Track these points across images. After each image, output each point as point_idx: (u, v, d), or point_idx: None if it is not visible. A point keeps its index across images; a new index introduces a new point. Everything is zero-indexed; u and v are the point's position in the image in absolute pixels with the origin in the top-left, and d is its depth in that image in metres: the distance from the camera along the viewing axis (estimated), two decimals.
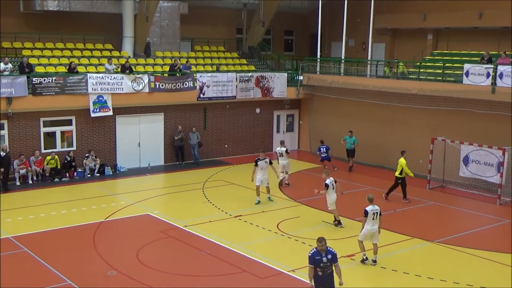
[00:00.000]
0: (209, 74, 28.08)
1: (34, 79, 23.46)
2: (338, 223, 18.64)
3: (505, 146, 21.66)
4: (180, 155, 27.26)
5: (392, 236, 17.61)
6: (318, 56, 31.47)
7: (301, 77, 30.80)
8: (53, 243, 16.59)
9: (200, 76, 27.63)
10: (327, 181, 18.37)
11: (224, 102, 28.79)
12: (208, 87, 27.74)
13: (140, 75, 26.07)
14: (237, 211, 19.75)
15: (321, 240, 11.74)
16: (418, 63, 27.88)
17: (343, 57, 30.45)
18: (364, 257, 15.37)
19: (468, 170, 23.08)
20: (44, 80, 23.66)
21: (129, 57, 28.67)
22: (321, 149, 25.56)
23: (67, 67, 25.38)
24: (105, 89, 24.99)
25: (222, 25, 33.82)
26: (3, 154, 22.19)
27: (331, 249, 11.76)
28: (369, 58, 29.84)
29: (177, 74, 27.20)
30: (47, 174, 23.67)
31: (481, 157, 22.57)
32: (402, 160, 21.29)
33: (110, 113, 25.31)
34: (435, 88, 24.57)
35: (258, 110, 30.23)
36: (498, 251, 16.56)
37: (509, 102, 22.19)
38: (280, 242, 17.01)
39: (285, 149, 23.94)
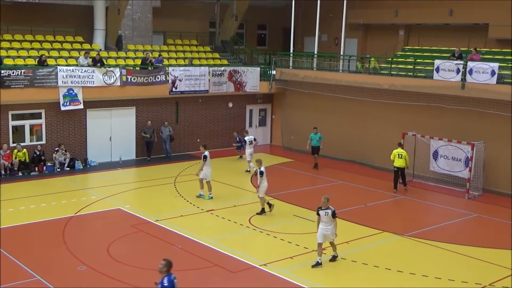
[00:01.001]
0: (182, 68, 27.91)
1: (2, 71, 23.02)
2: (262, 211, 19.05)
3: (474, 141, 22.00)
4: (148, 150, 26.76)
5: (363, 230, 17.78)
6: (291, 51, 31.51)
7: (274, 72, 30.81)
8: (22, 238, 16.34)
9: (173, 70, 27.44)
10: (262, 169, 18.82)
11: (197, 96, 28.66)
12: (180, 81, 27.57)
13: (111, 69, 25.78)
14: (209, 206, 19.71)
15: None
16: (390, 59, 28.12)
17: (316, 52, 30.55)
18: (319, 262, 14.84)
19: (437, 165, 23.42)
20: (13, 72, 23.24)
21: (100, 50, 28.32)
22: (238, 139, 26.84)
23: (37, 59, 24.97)
24: (75, 82, 24.65)
25: (195, 19, 33.63)
26: None
27: None
28: (341, 53, 29.99)
29: (149, 68, 26.98)
30: (15, 168, 23.30)
31: (450, 152, 22.93)
32: (404, 152, 22.34)
33: (81, 106, 24.99)
34: (406, 84, 24.83)
35: (230, 105, 30.18)
36: (466, 244, 16.85)
37: (478, 98, 22.53)
38: (252, 236, 17.04)
39: (253, 137, 25.50)
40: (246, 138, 25.90)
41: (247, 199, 20.85)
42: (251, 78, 29.90)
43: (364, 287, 13.75)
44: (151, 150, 26.79)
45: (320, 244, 14.94)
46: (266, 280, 14.02)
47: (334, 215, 14.98)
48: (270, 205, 19.31)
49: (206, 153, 20.73)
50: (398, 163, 22.21)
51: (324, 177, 24.48)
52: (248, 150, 25.45)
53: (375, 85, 26.00)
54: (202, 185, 20.79)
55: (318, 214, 15.11)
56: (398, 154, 22.23)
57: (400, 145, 22.79)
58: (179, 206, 19.74)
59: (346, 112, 27.87)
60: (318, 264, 14.82)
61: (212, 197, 20.68)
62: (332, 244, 15.22)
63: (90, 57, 25.73)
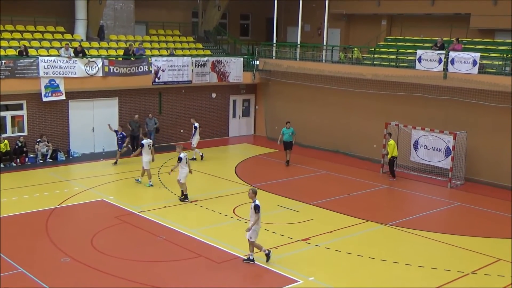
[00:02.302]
0: (164, 59, 27.75)
1: None
2: (185, 197, 19.25)
3: (456, 131, 22.19)
4: (133, 144, 26.13)
5: (346, 219, 17.89)
6: (274, 41, 31.48)
7: (257, 62, 30.76)
8: (4, 230, 16.17)
9: (155, 60, 27.27)
10: (181, 155, 19.26)
11: (180, 87, 28.53)
12: (163, 71, 27.42)
13: (93, 59, 25.56)
14: (193, 196, 19.67)
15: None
16: (373, 49, 28.22)
17: (299, 42, 30.54)
18: (253, 257, 14.37)
19: (417, 155, 23.60)
20: None
21: (82, 40, 28.06)
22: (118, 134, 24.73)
23: (18, 50, 24.66)
24: (57, 73, 24.41)
25: (178, 9, 33.41)
26: None
27: None
28: (324, 43, 30.02)
29: (132, 58, 26.79)
30: None
31: (430, 142, 23.12)
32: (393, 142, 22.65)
33: (63, 97, 24.78)
34: (389, 74, 24.92)
35: (214, 95, 30.10)
36: (448, 233, 17.05)
37: (460, 88, 22.71)
38: (236, 227, 17.04)
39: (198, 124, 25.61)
40: (196, 124, 25.62)
41: (231, 190, 20.85)
42: (234, 69, 29.81)
43: (348, 276, 13.83)
44: (136, 143, 25.93)
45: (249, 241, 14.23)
46: (251, 270, 14.05)
47: (256, 209, 14.12)
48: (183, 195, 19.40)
49: (144, 141, 21.21)
50: (395, 152, 22.85)
51: (308, 167, 24.55)
52: (196, 137, 25.41)
53: (358, 75, 26.07)
54: (148, 174, 21.06)
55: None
56: (390, 145, 22.74)
57: (390, 135, 23.08)
58: (163, 197, 19.69)
59: (329, 102, 27.93)
60: (248, 260, 14.30)
61: (152, 185, 20.97)
62: (249, 243, 14.24)
63: (71, 48, 25.49)
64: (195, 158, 25.23)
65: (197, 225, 16.95)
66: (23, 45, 24.81)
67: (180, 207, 18.72)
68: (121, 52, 27.80)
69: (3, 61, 23.20)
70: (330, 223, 17.40)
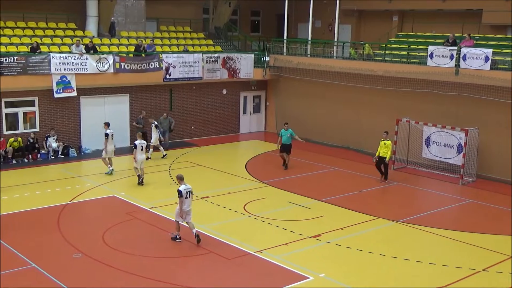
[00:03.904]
0: (175, 55, 27.79)
1: None
2: (141, 181, 20.45)
3: (468, 127, 22.06)
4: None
5: (357, 216, 17.85)
6: (285, 37, 31.43)
7: (267, 58, 30.73)
8: (17, 226, 16.30)
9: (166, 56, 27.32)
10: (136, 142, 20.47)
11: (191, 83, 28.57)
12: (174, 68, 27.47)
13: (104, 56, 25.65)
14: (203, 193, 19.71)
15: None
16: (384, 45, 28.09)
17: (309, 38, 30.47)
18: (178, 236, 15.33)
19: (429, 151, 23.49)
20: (5, 59, 23.08)
21: (93, 37, 28.15)
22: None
23: (30, 46, 24.80)
24: (68, 69, 24.52)
25: (189, 5, 33.43)
26: None
27: None
28: (335, 39, 29.93)
29: (143, 55, 26.85)
30: (9, 156, 23.21)
31: (442, 139, 23.00)
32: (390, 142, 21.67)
33: (74, 94, 24.89)
34: (400, 70, 24.82)
35: (224, 91, 30.11)
36: (460, 230, 16.96)
37: (472, 84, 22.57)
38: (247, 223, 17.07)
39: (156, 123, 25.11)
40: (155, 123, 25.11)
41: (242, 186, 20.87)
42: (245, 65, 29.80)
43: (359, 273, 13.81)
44: (147, 143, 25.85)
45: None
46: (261, 266, 14.06)
47: (178, 193, 15.08)
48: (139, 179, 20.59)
49: (108, 131, 21.89)
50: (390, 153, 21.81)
51: (318, 164, 24.52)
52: (154, 135, 24.74)
53: (369, 72, 25.99)
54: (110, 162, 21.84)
55: (179, 195, 15.17)
56: (384, 143, 21.62)
57: (387, 134, 22.03)
58: (174, 194, 19.66)
59: (340, 98, 27.87)
60: (176, 238, 15.36)
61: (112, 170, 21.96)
62: (190, 224, 15.24)
63: (82, 44, 25.60)
64: (149, 158, 24.28)
65: (207, 221, 16.97)
66: (35, 41, 24.93)
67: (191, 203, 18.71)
68: (132, 48, 27.86)
69: (15, 58, 23.34)
70: (341, 220, 17.38)
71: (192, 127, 29.02)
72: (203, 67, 28.40)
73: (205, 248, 14.97)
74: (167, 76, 27.39)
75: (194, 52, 29.26)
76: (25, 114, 24.39)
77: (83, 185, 20.52)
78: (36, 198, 18.86)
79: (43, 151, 24.16)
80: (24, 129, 24.28)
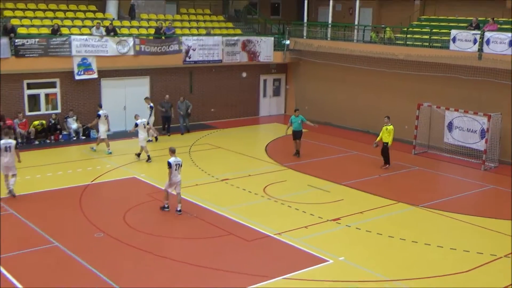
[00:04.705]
0: (195, 38, 27.77)
1: (16, 40, 23.02)
2: (148, 158, 21.32)
3: (490, 113, 21.80)
4: (167, 126, 25.98)
5: (377, 200, 17.79)
6: (305, 21, 31.19)
7: (287, 42, 30.56)
8: (39, 206, 16.52)
9: (186, 39, 27.31)
10: (137, 122, 21.36)
11: (210, 66, 28.55)
12: (194, 50, 27.47)
13: (125, 38, 25.71)
14: (223, 175, 19.78)
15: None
16: (405, 29, 27.75)
17: (330, 22, 30.21)
18: (166, 205, 16.17)
19: (451, 136, 23.28)
20: (27, 41, 23.25)
21: (113, 19, 28.18)
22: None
23: (51, 28, 24.91)
24: (89, 52, 24.65)
25: None
26: None
27: None
28: (356, 23, 29.64)
29: (162, 37, 26.86)
30: (32, 137, 23.46)
31: (464, 124, 22.76)
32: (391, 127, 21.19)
33: (95, 76, 25.02)
34: (422, 54, 24.53)
35: (244, 74, 30.04)
36: (481, 215, 16.81)
37: (495, 69, 22.26)
38: (267, 206, 17.10)
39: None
40: (151, 105, 24.87)
41: (262, 169, 20.88)
42: (265, 48, 29.70)
43: (378, 257, 13.78)
44: (169, 126, 25.91)
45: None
46: (281, 248, 14.09)
47: (168, 165, 15.83)
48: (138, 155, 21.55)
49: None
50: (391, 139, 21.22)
51: (338, 147, 24.44)
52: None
53: (390, 55, 25.72)
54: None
55: (169, 166, 15.81)
56: (386, 129, 21.13)
57: (388, 119, 21.46)
58: (194, 175, 19.82)
59: (360, 82, 27.67)
60: (164, 208, 16.21)
61: (111, 152, 22.40)
62: (178, 195, 16.09)
63: (102, 26, 25.66)
64: (151, 140, 24.29)
65: (227, 203, 17.04)
66: (56, 23, 25.04)
67: (211, 186, 18.83)
68: (152, 31, 27.88)
69: (37, 40, 23.48)
70: (361, 204, 17.33)
71: (212, 110, 29.05)
72: (222, 50, 28.35)
73: (224, 230, 15.04)
74: (187, 59, 27.40)
75: (214, 35, 29.21)
76: (46, 95, 24.60)
77: (104, 166, 20.69)
78: (58, 178, 19.07)
79: (64, 132, 24.38)
80: (46, 111, 24.50)
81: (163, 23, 27.94)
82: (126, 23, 28.32)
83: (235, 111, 30.03)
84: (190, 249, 13.93)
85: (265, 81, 31.26)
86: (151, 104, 24.86)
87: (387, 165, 21.49)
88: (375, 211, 16.79)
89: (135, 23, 28.70)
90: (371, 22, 32.70)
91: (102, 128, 22.40)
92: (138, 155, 21.70)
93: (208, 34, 28.71)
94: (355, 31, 29.31)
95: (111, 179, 19.34)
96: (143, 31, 28.12)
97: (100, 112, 22.43)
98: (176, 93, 27.12)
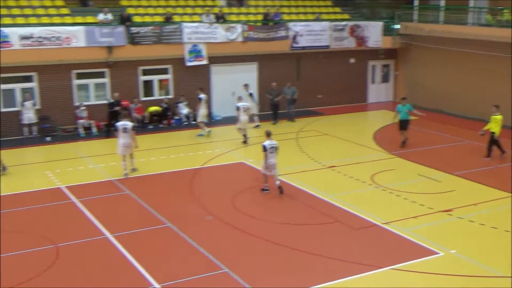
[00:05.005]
0: (302, 23, 27.72)
1: (132, 28, 24.08)
2: (245, 141, 22.00)
3: None
4: (274, 114, 25.91)
5: (492, 192, 16.96)
6: (416, 4, 30.19)
7: (397, 26, 29.75)
8: (153, 187, 17.29)
9: (293, 25, 27.34)
10: (238, 104, 22.11)
11: (318, 52, 28.41)
12: (301, 36, 27.46)
13: (233, 25, 26.15)
14: (330, 162, 19.68)
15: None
16: None
17: (442, 4, 29.04)
18: (265, 188, 16.54)
19: None
20: (142, 29, 24.25)
21: (222, 6, 28.71)
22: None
23: (164, 16, 25.81)
24: (200, 38, 25.32)
25: None
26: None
27: None
28: (471, 5, 28.28)
29: (270, 23, 27.03)
30: (146, 121, 24.54)
31: None
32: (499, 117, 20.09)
33: (205, 62, 25.68)
34: None
35: (352, 60, 29.63)
36: None
37: None
38: (374, 194, 16.84)
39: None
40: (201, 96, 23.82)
41: (370, 157, 20.56)
42: (373, 33, 29.13)
43: (494, 252, 13.15)
44: (277, 114, 25.84)
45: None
46: (388, 238, 13.83)
47: (263, 148, 16.24)
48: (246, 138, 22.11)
49: (201, 95, 22.90)
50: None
51: (450, 136, 23.56)
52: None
53: (508, 39, 24.33)
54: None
55: (264, 149, 16.17)
56: (494, 118, 19.92)
57: (497, 108, 20.20)
58: (301, 162, 19.88)
59: (476, 69, 26.41)
60: (263, 190, 16.59)
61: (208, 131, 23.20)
62: (275, 176, 16.36)
63: (212, 14, 26.23)
64: (259, 125, 24.38)
65: (334, 191, 16.96)
66: (168, 12, 25.90)
67: (317, 172, 18.80)
68: (259, 17, 28.13)
69: (150, 28, 24.42)
70: (475, 195, 16.62)
71: (319, 96, 28.93)
72: (330, 35, 28.10)
73: (331, 217, 14.99)
74: (294, 45, 27.43)
75: (322, 20, 29.00)
76: (159, 81, 25.59)
77: (214, 151, 21.26)
78: (171, 162, 19.83)
79: (176, 117, 25.27)
80: (159, 96, 25.52)
81: (270, 9, 28.11)
82: (234, 9, 28.78)
83: (342, 98, 29.73)
84: (295, 234, 14.00)
85: (373, 67, 30.67)
86: (250, 91, 25.10)
87: (488, 157, 20.20)
88: (490, 204, 16.04)
89: (243, 9, 29.09)
90: (487, 3, 31.07)
91: (202, 111, 22.97)
92: (245, 141, 22.02)
93: (317, 20, 28.58)
94: (470, 13, 27.98)
95: (220, 163, 19.84)
96: (251, 17, 28.45)
97: (201, 96, 22.95)
98: (282, 80, 27.21)
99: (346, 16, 31.16)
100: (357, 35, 28.80)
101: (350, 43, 28.75)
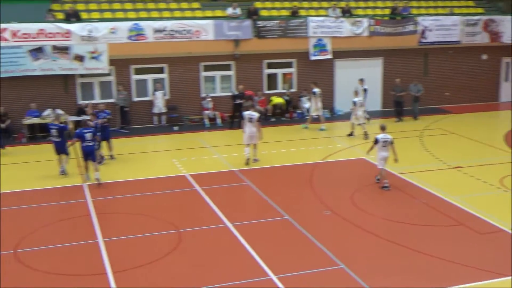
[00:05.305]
0: (432, 18, 26.78)
1: (258, 22, 24.51)
2: (351, 134, 22.01)
3: None
4: (397, 111, 25.29)
5: None
6: None
7: None
8: (273, 179, 17.55)
9: (423, 19, 26.50)
10: (355, 99, 21.77)
11: (447, 47, 27.33)
12: (430, 31, 26.58)
13: (360, 19, 25.81)
14: (456, 162, 18.89)
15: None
16: None
17: None
18: (385, 184, 16.34)
19: None
20: (268, 23, 24.61)
21: (349, 0, 28.41)
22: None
23: (290, 11, 26.02)
24: (325, 33, 25.27)
25: None
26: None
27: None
28: None
29: (398, 18, 26.38)
30: (269, 114, 24.94)
31: None
32: None
33: (329, 56, 25.58)
34: None
35: (484, 57, 28.20)
36: None
37: None
38: (503, 198, 15.92)
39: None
40: (315, 90, 23.33)
41: (499, 158, 19.47)
42: (509, 28, 27.54)
43: None
44: (401, 111, 25.19)
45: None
46: None
47: (375, 140, 16.27)
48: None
49: (315, 89, 22.82)
50: None
51: None
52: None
53: None
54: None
55: (375, 142, 16.17)
56: None
57: None
58: (425, 161, 19.27)
59: None
60: (383, 187, 16.31)
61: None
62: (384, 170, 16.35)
63: (338, 8, 26.05)
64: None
65: (459, 192, 16.24)
66: (295, 5, 26.07)
67: (442, 172, 18.12)
68: (387, 11, 27.54)
69: (277, 22, 24.72)
70: None
71: (447, 93, 27.83)
72: (461, 30, 26.92)
73: (455, 219, 14.39)
74: (422, 40, 26.60)
75: (454, 14, 27.85)
76: (283, 75, 25.87)
77: (335, 146, 21.18)
78: (292, 155, 20.00)
79: (298, 111, 25.43)
80: (282, 89, 25.80)
81: (398, 3, 27.42)
82: (361, 3, 28.40)
83: (472, 96, 28.40)
84: (415, 235, 13.57)
85: (507, 64, 28.98)
86: (365, 86, 24.49)
87: None
88: None
89: (370, 3, 28.61)
90: None
91: (315, 105, 22.98)
92: (366, 137, 21.66)
93: (450, 14, 27.50)
94: None
95: (340, 158, 19.72)
96: (378, 11, 27.91)
97: (315, 90, 22.88)
98: (407, 76, 26.50)
99: (480, 10, 29.69)
100: (491, 30, 27.38)
101: (483, 39, 27.41)
